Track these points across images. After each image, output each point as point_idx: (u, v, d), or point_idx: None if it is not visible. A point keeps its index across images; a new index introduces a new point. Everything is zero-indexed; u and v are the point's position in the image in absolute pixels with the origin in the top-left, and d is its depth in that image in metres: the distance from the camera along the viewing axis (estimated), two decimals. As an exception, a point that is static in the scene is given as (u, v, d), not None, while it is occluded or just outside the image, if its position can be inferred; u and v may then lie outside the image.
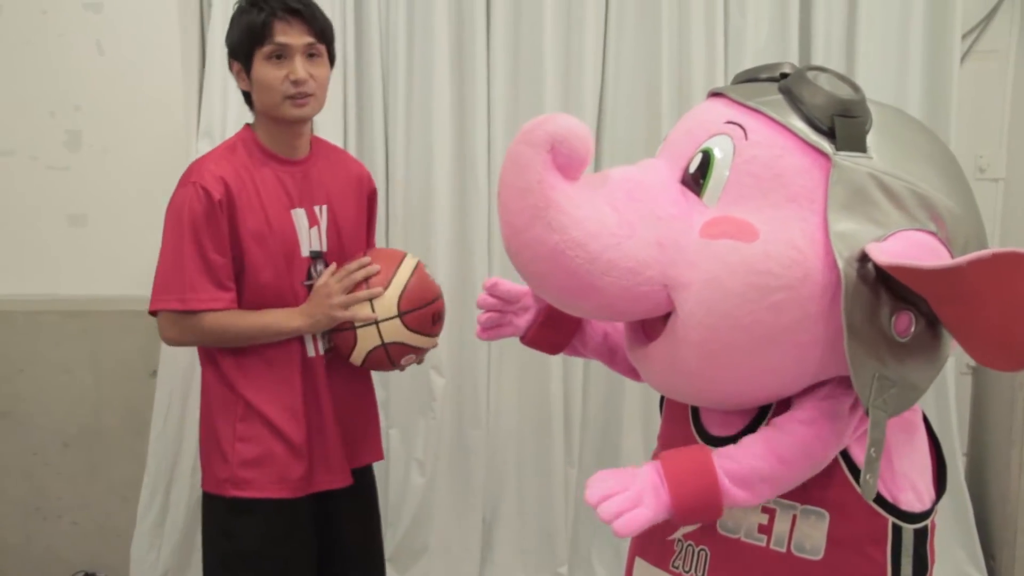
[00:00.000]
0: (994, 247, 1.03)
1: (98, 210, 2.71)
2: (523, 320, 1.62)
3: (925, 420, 1.43)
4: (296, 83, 1.84)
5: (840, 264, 1.15)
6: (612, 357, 1.66)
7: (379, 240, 2.74)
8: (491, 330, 1.64)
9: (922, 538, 1.33)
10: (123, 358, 2.74)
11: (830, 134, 1.23)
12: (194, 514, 2.75)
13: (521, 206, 1.22)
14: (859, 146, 1.23)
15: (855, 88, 1.27)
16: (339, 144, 2.70)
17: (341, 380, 2.01)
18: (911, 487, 1.32)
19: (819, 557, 1.31)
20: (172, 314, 1.87)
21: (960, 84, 2.80)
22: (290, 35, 1.84)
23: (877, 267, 1.15)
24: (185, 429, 2.71)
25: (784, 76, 1.35)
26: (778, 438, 1.27)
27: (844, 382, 1.27)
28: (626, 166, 1.35)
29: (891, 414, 1.19)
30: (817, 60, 2.76)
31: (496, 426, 2.90)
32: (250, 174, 1.88)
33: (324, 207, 1.97)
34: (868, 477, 1.19)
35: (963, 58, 2.84)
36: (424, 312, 1.93)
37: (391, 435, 2.88)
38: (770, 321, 1.19)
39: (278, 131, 1.92)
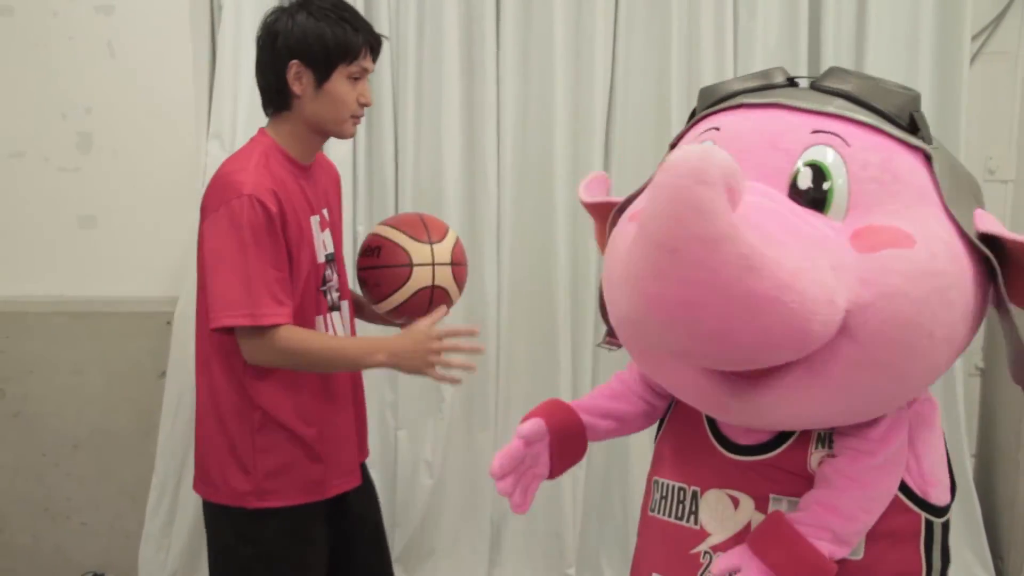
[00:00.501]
0: None
1: (108, 212, 2.72)
2: (542, 462, 1.52)
3: None
4: (364, 106, 1.90)
5: (986, 250, 1.20)
6: (621, 427, 1.62)
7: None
8: (525, 498, 1.53)
9: (946, 531, 1.35)
10: (132, 359, 2.75)
11: (909, 129, 1.24)
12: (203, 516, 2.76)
13: (722, 258, 1.03)
14: (930, 137, 1.26)
15: (907, 88, 1.29)
16: (349, 146, 2.72)
17: (350, 380, 2.02)
18: (939, 482, 1.33)
19: (859, 557, 1.30)
20: (245, 330, 1.80)
21: (970, 85, 2.80)
22: (369, 61, 1.90)
23: (988, 243, 1.21)
24: (194, 430, 2.71)
25: (791, 81, 1.34)
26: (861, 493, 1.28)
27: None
28: None
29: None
30: (826, 62, 2.76)
31: (504, 428, 2.90)
32: (284, 184, 1.84)
33: (327, 210, 1.99)
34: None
35: (973, 59, 2.83)
36: (464, 270, 2.02)
37: (399, 436, 2.88)
38: (947, 320, 1.19)
39: (310, 140, 1.92)
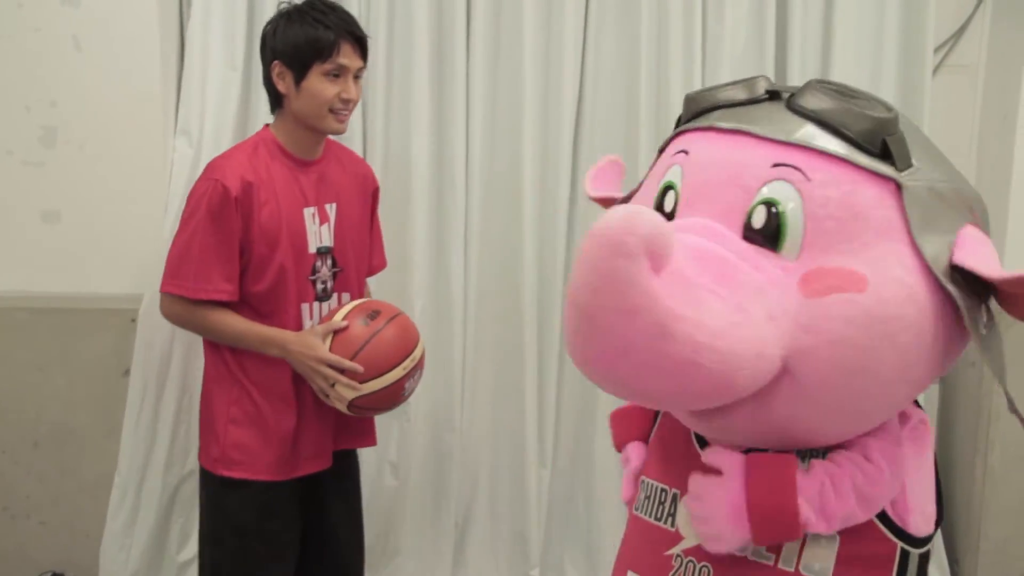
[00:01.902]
0: None
1: (73, 207, 2.69)
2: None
3: None
4: (346, 102, 2.02)
5: (949, 288, 1.14)
6: None
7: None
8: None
9: (924, 562, 1.31)
10: (95, 356, 2.72)
11: (880, 156, 1.18)
12: (166, 514, 2.74)
13: (634, 327, 1.06)
14: (908, 161, 1.20)
15: (887, 106, 1.22)
16: (347, 143, 2.72)
17: None
18: (920, 510, 1.30)
19: None
20: (173, 297, 2.03)
21: (931, 97, 2.85)
22: (350, 58, 2.02)
23: (959, 272, 1.16)
24: (157, 429, 2.69)
25: (772, 94, 1.28)
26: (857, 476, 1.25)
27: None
28: (681, 236, 1.15)
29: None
30: (793, 69, 2.80)
31: (469, 429, 2.91)
32: (269, 173, 2.01)
33: (334, 205, 2.12)
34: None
35: (935, 71, 2.89)
36: (378, 395, 1.99)
37: (364, 437, 2.88)
38: (899, 363, 1.16)
39: (304, 136, 2.06)
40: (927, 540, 1.30)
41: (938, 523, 1.34)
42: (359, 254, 2.22)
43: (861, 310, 1.13)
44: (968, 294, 1.17)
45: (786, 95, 1.27)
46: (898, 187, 1.18)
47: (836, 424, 1.23)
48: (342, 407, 1.99)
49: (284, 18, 2.03)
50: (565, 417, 2.94)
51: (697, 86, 2.74)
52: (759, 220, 1.19)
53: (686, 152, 1.30)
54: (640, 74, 2.77)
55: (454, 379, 2.85)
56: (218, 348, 2.08)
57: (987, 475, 2.89)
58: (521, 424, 2.87)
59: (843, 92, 1.23)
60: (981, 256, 1.17)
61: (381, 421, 2.85)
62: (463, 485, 2.92)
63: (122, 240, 2.70)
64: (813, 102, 1.21)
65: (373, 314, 2.02)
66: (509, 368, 2.87)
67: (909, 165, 1.19)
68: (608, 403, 2.88)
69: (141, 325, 2.65)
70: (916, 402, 1.39)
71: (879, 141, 1.18)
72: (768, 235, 1.18)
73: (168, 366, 2.68)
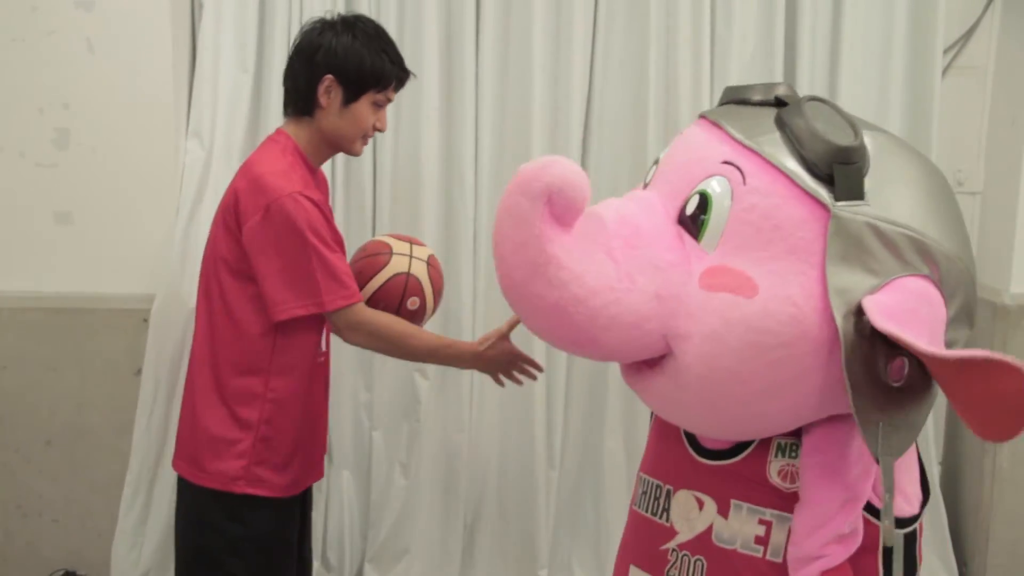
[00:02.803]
0: (987, 351, 1.04)
1: (85, 208, 2.71)
2: None
3: None
4: (377, 131, 2.05)
5: (839, 322, 1.14)
6: None
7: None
8: None
9: (911, 541, 1.34)
10: (108, 356, 2.74)
11: (828, 180, 1.20)
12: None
13: (520, 260, 1.21)
14: (857, 193, 1.20)
15: (855, 132, 1.23)
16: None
17: (325, 379, 2.13)
18: (900, 493, 1.32)
19: None
20: (346, 311, 1.95)
21: (941, 98, 2.85)
22: (392, 93, 2.05)
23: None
24: (169, 428, 2.70)
25: (780, 101, 1.31)
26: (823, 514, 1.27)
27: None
28: (622, 202, 1.32)
29: (896, 456, 1.19)
30: (802, 74, 2.80)
31: (479, 430, 2.92)
32: (305, 180, 1.98)
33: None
34: (887, 523, 1.21)
35: (944, 73, 2.89)
36: (440, 278, 2.15)
37: (374, 437, 2.89)
38: (768, 376, 1.19)
39: (324, 148, 2.05)
40: (911, 521, 1.33)
41: (923, 504, 1.37)
42: None
43: (740, 315, 1.18)
44: (878, 341, 1.15)
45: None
46: (828, 213, 1.18)
47: (721, 421, 1.29)
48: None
49: (344, 34, 1.98)
50: (573, 418, 2.95)
51: (705, 90, 2.75)
52: (691, 207, 1.27)
53: (682, 134, 1.41)
54: (649, 77, 2.78)
55: (463, 379, 2.86)
56: (235, 367, 1.98)
57: (996, 477, 2.88)
58: (530, 424, 2.88)
59: (824, 113, 1.25)
60: (902, 309, 1.15)
61: (390, 420, 2.89)
62: (472, 485, 2.93)
63: (134, 241, 2.72)
64: (789, 115, 1.25)
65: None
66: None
67: (857, 198, 1.19)
68: (616, 405, 2.89)
69: (153, 325, 2.66)
70: None
71: (828, 166, 1.19)
72: (694, 223, 1.26)
73: (179, 366, 2.69)
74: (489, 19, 2.77)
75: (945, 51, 2.88)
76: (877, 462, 1.18)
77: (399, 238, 2.16)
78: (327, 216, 1.96)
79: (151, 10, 2.65)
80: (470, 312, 2.84)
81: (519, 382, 2.13)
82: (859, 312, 1.15)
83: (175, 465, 2.07)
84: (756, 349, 1.18)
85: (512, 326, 2.01)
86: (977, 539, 2.96)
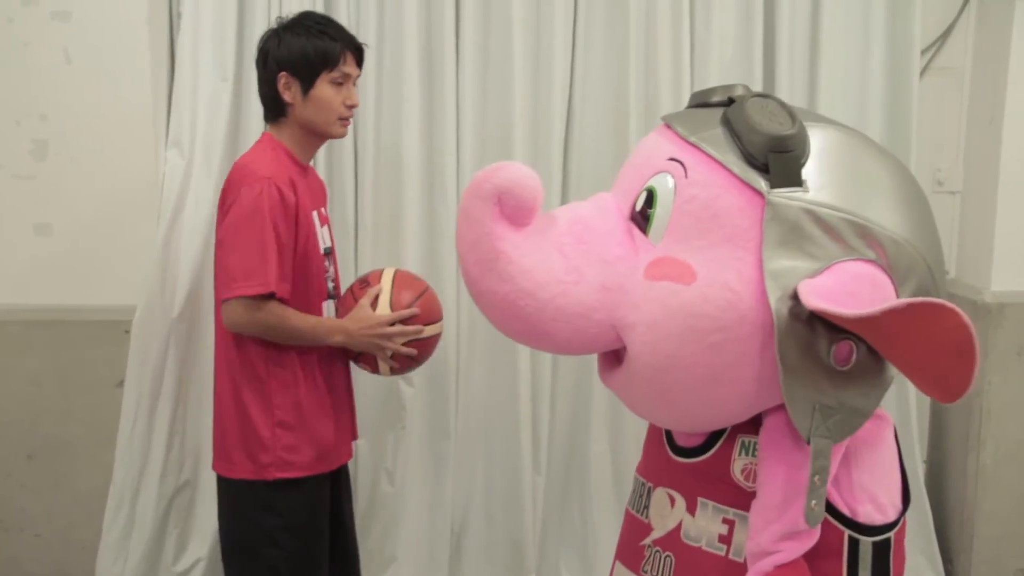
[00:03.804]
0: (912, 298, 1.07)
1: (65, 219, 2.69)
2: None
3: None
4: (350, 107, 2.13)
5: (772, 304, 1.17)
6: None
7: (348, 250, 2.76)
8: None
9: (882, 551, 1.33)
10: (89, 368, 2.72)
11: (765, 170, 1.23)
12: (161, 524, 2.74)
13: (474, 258, 1.29)
14: (794, 180, 1.23)
15: (792, 120, 1.26)
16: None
17: (343, 359, 2.21)
18: (870, 499, 1.32)
19: None
20: (246, 300, 1.99)
21: (919, 99, 2.87)
22: (352, 67, 2.14)
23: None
24: (152, 440, 2.69)
25: (732, 101, 1.34)
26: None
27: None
28: (579, 203, 1.40)
29: (836, 440, 1.21)
30: (781, 76, 2.82)
31: (464, 436, 2.91)
32: (293, 179, 2.07)
33: (324, 208, 2.24)
34: (813, 504, 1.21)
35: (922, 74, 2.91)
36: (419, 303, 2.14)
37: (360, 445, 2.88)
38: (709, 361, 1.23)
39: (308, 142, 2.15)
40: (882, 530, 1.32)
41: (903, 513, 1.36)
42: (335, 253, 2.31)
43: (679, 301, 1.23)
44: (818, 325, 1.17)
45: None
46: (764, 201, 1.22)
47: (672, 409, 1.33)
48: (387, 368, 2.14)
49: (285, 31, 2.10)
50: (559, 423, 2.95)
51: (686, 92, 2.76)
52: (640, 203, 1.33)
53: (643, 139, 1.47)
54: (629, 81, 2.78)
55: (448, 385, 2.86)
56: (249, 351, 2.06)
57: (979, 474, 2.90)
58: (515, 430, 2.88)
59: (765, 107, 1.28)
60: (842, 291, 1.16)
61: (376, 428, 2.88)
62: (458, 491, 2.93)
63: (115, 252, 2.71)
64: (732, 112, 1.29)
65: (416, 277, 2.23)
66: (503, 374, 2.88)
67: (795, 183, 1.23)
68: (602, 408, 2.89)
69: (134, 336, 2.65)
70: None
71: (764, 155, 1.23)
72: (643, 218, 1.32)
73: (162, 377, 2.68)
74: (468, 22, 2.77)
75: (922, 52, 2.90)
76: (808, 443, 1.20)
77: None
78: (289, 210, 2.01)
79: (129, 20, 2.63)
80: (454, 322, 2.84)
81: (398, 369, 2.15)
82: (796, 295, 1.17)
83: (213, 466, 2.16)
84: (695, 334, 1.22)
85: (372, 295, 2.09)
86: (962, 537, 2.97)
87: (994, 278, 2.87)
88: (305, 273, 2.08)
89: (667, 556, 1.42)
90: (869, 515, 1.32)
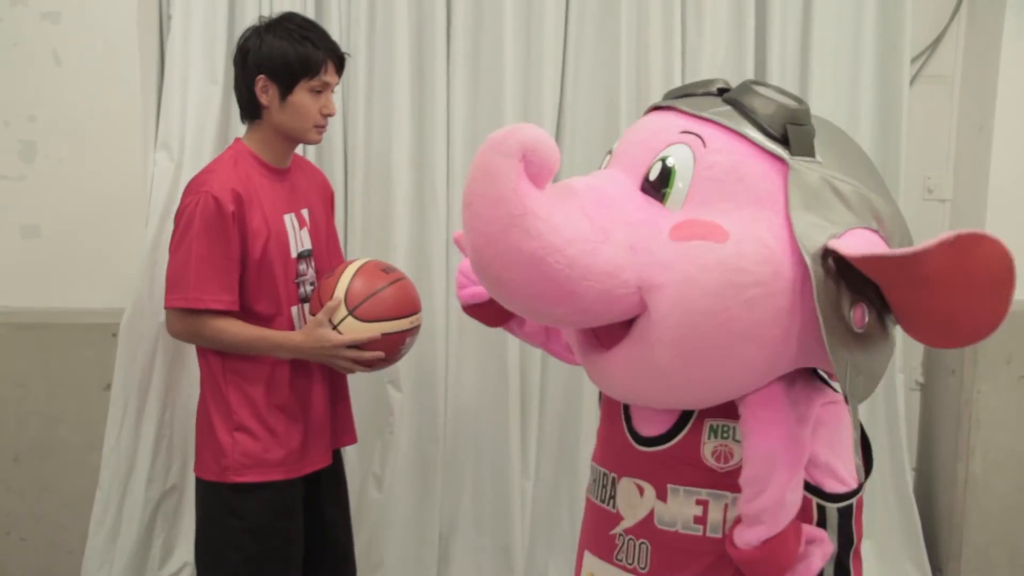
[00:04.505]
0: (959, 230, 1.10)
1: (52, 221, 2.68)
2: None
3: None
4: (326, 116, 2.11)
5: (807, 259, 1.21)
6: (546, 340, 1.77)
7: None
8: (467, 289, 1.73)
9: (847, 515, 1.40)
10: (76, 371, 2.70)
11: (782, 141, 1.30)
12: (148, 529, 2.73)
13: (496, 215, 1.23)
14: (810, 151, 1.31)
15: (799, 100, 1.35)
16: (299, 151, 2.72)
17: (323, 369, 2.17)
18: (832, 475, 1.38)
19: None
20: (177, 312, 2.05)
21: (909, 107, 2.87)
22: (332, 76, 2.11)
23: (836, 262, 1.22)
24: (139, 443, 2.68)
25: (721, 91, 1.41)
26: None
27: (797, 381, 1.36)
28: (585, 177, 1.39)
29: (859, 401, 1.25)
30: (772, 80, 2.82)
31: (453, 441, 2.91)
32: (252, 184, 2.06)
33: (307, 210, 2.20)
34: (857, 461, 1.29)
35: (912, 82, 2.91)
36: (375, 299, 2.06)
37: (347, 450, 2.86)
38: (744, 317, 1.24)
39: (281, 147, 2.14)
40: (843, 497, 1.39)
41: (865, 477, 1.44)
42: (330, 256, 2.29)
43: (715, 258, 1.24)
44: (842, 285, 1.23)
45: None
46: (786, 167, 1.29)
47: (695, 376, 1.32)
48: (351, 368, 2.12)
49: (267, 32, 2.07)
50: (548, 428, 2.94)
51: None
52: (654, 174, 1.34)
53: (633, 124, 1.50)
54: (620, 85, 2.79)
55: (437, 390, 2.85)
56: (208, 357, 2.10)
57: (968, 482, 2.90)
58: (504, 435, 2.87)
59: (769, 88, 1.37)
60: (858, 247, 1.22)
61: (364, 433, 2.87)
62: (447, 496, 2.92)
63: (102, 254, 2.69)
64: (737, 93, 1.36)
65: (389, 268, 2.16)
66: (492, 379, 2.87)
67: (809, 155, 1.30)
68: (591, 413, 2.89)
69: (122, 339, 2.63)
70: (829, 385, 1.46)
71: (781, 126, 1.31)
72: (658, 187, 1.32)
73: (149, 380, 2.67)
74: (460, 26, 2.77)
75: (913, 60, 2.91)
76: (847, 402, 1.24)
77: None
78: (227, 221, 1.99)
79: (118, 22, 2.62)
80: (443, 324, 2.83)
81: (365, 369, 2.12)
82: (824, 255, 1.22)
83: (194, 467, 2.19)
84: (733, 288, 1.23)
85: (329, 313, 2.03)
86: (951, 544, 2.97)
87: (984, 286, 2.87)
88: (266, 279, 2.07)
89: (642, 543, 1.46)
90: (833, 487, 1.39)
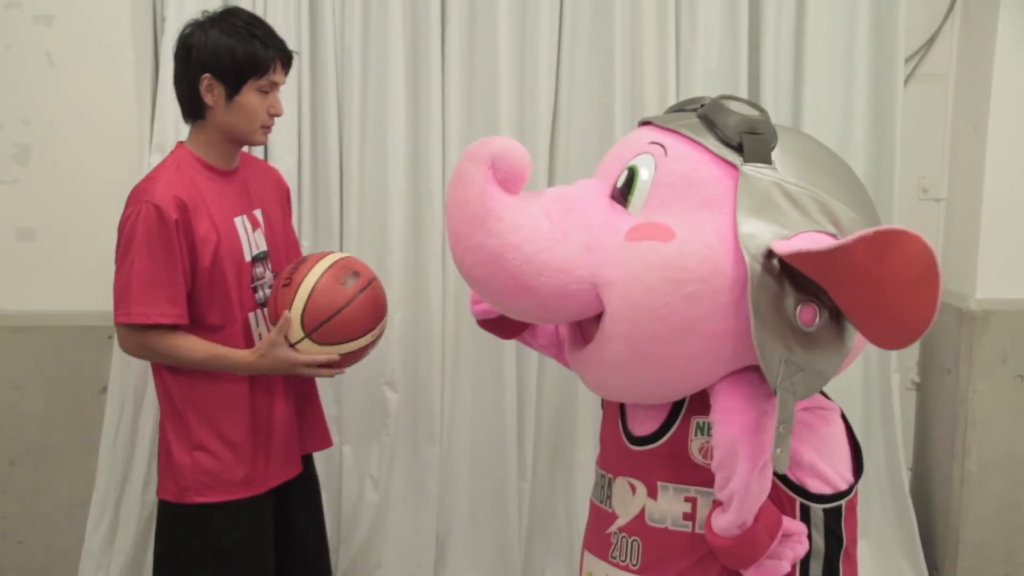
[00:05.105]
0: (877, 226, 1.17)
1: (47, 224, 2.68)
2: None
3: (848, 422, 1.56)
4: (274, 116, 2.04)
5: (747, 259, 1.29)
6: (559, 351, 1.81)
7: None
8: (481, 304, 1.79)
9: (835, 517, 1.47)
10: (72, 374, 2.70)
11: (740, 149, 1.39)
12: (144, 532, 2.72)
13: (464, 215, 1.38)
14: (765, 158, 1.39)
15: (761, 110, 1.45)
16: (294, 152, 2.73)
17: (265, 378, 2.08)
18: (817, 475, 1.45)
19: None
20: (124, 328, 1.98)
21: (903, 107, 2.87)
22: (280, 75, 2.03)
23: (782, 264, 1.29)
24: (136, 446, 2.68)
25: (703, 106, 1.51)
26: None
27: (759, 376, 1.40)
28: (564, 185, 1.54)
29: (799, 397, 1.31)
30: (766, 83, 2.82)
31: (449, 442, 2.91)
32: (198, 189, 1.98)
33: (260, 210, 2.12)
34: (779, 451, 1.31)
35: (906, 81, 2.91)
36: (334, 322, 1.96)
37: (344, 452, 2.87)
38: (686, 312, 1.33)
39: (226, 148, 2.05)
40: (831, 499, 1.46)
41: (854, 482, 1.50)
42: (288, 257, 2.18)
43: (659, 256, 1.34)
44: (787, 284, 1.30)
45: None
46: (738, 172, 1.37)
47: (646, 371, 1.41)
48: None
49: (212, 28, 1.97)
50: (545, 430, 2.94)
51: (671, 101, 2.75)
52: (621, 180, 1.47)
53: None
54: (614, 87, 2.78)
55: (433, 392, 2.85)
56: (163, 375, 2.03)
57: (964, 481, 2.91)
58: (501, 437, 2.87)
59: (736, 101, 1.46)
60: (791, 245, 1.28)
61: (361, 435, 2.87)
62: (444, 498, 2.92)
63: (98, 257, 2.67)
64: (707, 108, 1.46)
65: (354, 275, 2.01)
66: (488, 380, 2.87)
67: (765, 162, 1.38)
68: (587, 415, 2.89)
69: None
70: (822, 393, 1.51)
71: (738, 135, 1.40)
72: (624, 193, 1.45)
73: (146, 383, 2.66)
74: (455, 32, 2.77)
75: (907, 60, 2.91)
76: (775, 393, 1.29)
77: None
78: (170, 230, 1.90)
79: (112, 24, 2.62)
80: (439, 327, 2.83)
81: (328, 374, 2.04)
82: (768, 256, 1.30)
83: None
84: (673, 285, 1.32)
85: (283, 330, 1.94)
86: (947, 542, 2.98)
87: (979, 285, 2.88)
88: (219, 287, 1.99)
89: (634, 540, 1.53)
90: (818, 487, 1.45)
